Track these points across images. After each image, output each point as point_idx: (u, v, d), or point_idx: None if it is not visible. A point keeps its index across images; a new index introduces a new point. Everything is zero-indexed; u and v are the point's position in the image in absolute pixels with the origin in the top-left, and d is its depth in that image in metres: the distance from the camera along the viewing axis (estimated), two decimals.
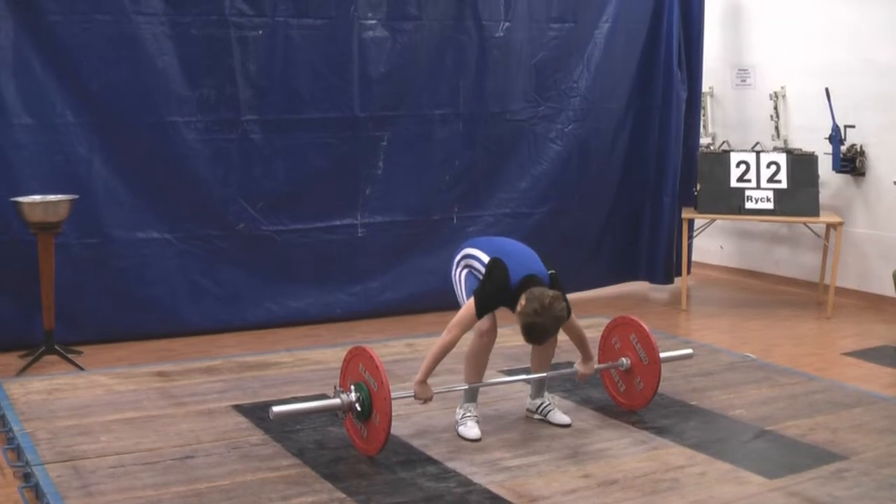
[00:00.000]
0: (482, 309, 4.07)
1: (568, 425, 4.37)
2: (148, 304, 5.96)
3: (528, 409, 4.53)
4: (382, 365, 3.85)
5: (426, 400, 4.12)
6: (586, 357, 4.44)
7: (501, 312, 4.18)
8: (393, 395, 3.82)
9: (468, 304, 4.07)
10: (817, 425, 4.45)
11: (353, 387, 3.96)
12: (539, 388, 4.50)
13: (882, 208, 7.10)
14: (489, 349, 4.23)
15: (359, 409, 3.92)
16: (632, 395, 4.60)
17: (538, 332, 3.94)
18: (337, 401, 3.97)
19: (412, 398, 4.12)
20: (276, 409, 3.90)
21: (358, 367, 3.99)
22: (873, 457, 4.06)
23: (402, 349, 5.71)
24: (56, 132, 5.64)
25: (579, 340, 4.37)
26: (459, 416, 4.28)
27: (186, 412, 4.53)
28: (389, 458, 3.97)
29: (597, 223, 7.45)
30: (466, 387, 4.27)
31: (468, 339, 4.21)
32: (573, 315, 4.23)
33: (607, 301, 7.28)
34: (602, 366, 4.62)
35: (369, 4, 6.35)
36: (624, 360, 4.58)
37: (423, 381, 4.09)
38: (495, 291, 4.07)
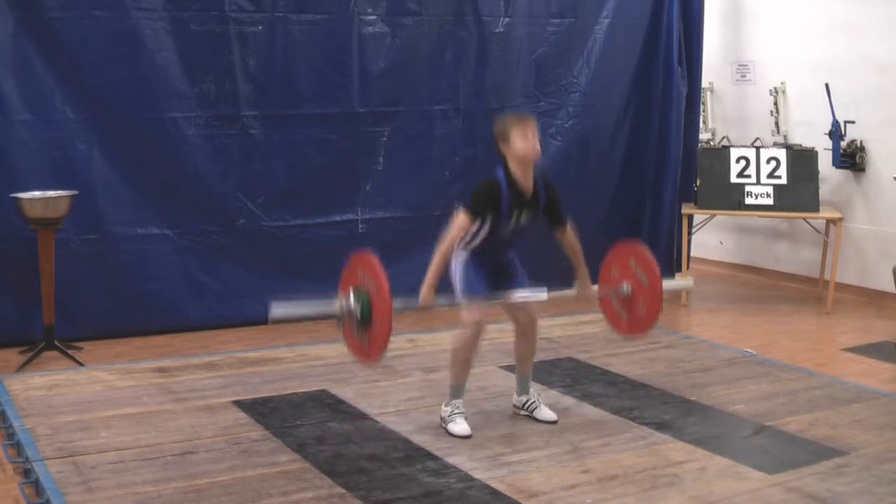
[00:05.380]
0: (475, 207, 4.08)
1: (554, 422, 4.37)
2: (148, 300, 5.96)
3: (514, 406, 4.52)
4: (381, 268, 3.77)
5: (429, 309, 4.04)
6: (581, 272, 4.38)
7: (498, 310, 4.18)
8: (395, 305, 3.72)
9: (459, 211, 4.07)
10: (817, 421, 4.45)
11: (352, 293, 3.87)
12: (524, 384, 4.49)
13: (882, 204, 7.10)
14: (478, 342, 4.19)
15: (358, 315, 3.82)
16: (635, 322, 4.48)
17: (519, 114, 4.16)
18: (336, 305, 3.88)
19: (414, 311, 4.02)
20: (275, 311, 3.82)
21: (357, 273, 3.89)
22: (873, 452, 4.06)
23: (403, 344, 5.70)
24: (56, 128, 5.64)
25: (573, 251, 4.36)
26: (447, 414, 4.26)
27: (186, 408, 4.53)
28: (389, 453, 3.98)
29: (597, 219, 7.44)
30: (467, 303, 4.16)
31: (455, 345, 4.21)
32: (569, 225, 4.30)
33: None
34: (603, 290, 4.52)
35: (369, 0, 6.35)
36: (625, 285, 4.46)
37: (431, 287, 4.02)
38: (488, 189, 4.10)
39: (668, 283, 4.54)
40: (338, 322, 3.95)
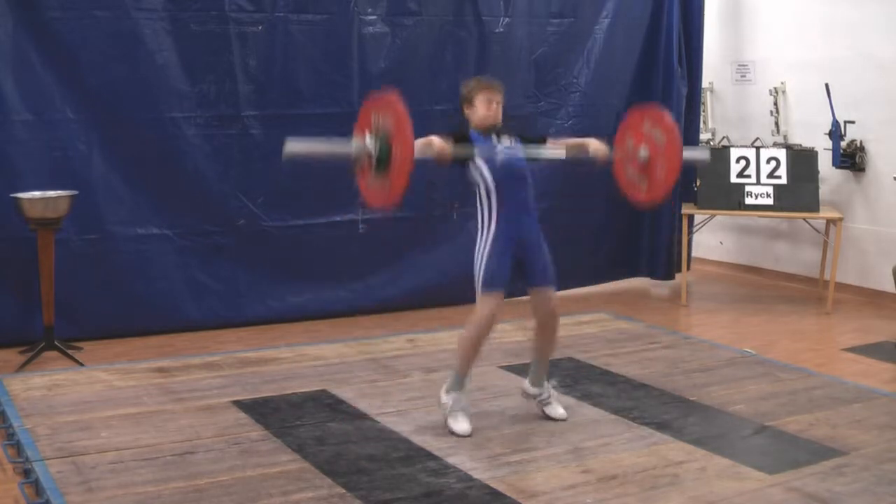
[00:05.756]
0: (444, 134, 4.08)
1: (564, 419, 4.36)
2: (148, 300, 5.96)
3: (524, 391, 4.48)
4: (404, 107, 3.61)
5: (445, 156, 3.97)
6: (589, 140, 4.38)
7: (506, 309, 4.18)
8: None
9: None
10: (817, 421, 4.45)
11: (369, 133, 3.69)
12: (539, 377, 4.44)
13: (882, 204, 7.10)
14: (489, 332, 4.17)
15: (376, 155, 3.62)
16: (655, 185, 4.33)
17: (487, 80, 4.27)
18: (353, 146, 3.71)
19: (432, 157, 3.95)
20: (290, 145, 3.66)
21: (375, 116, 3.72)
22: (873, 452, 4.06)
23: (403, 344, 5.71)
24: (56, 128, 5.64)
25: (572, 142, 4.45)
26: (447, 407, 4.24)
27: (186, 408, 4.53)
28: (389, 453, 3.98)
29: (597, 219, 7.45)
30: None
31: (466, 338, 4.21)
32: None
33: (608, 296, 7.28)
34: (619, 154, 4.38)
35: (369, 0, 6.35)
36: (641, 151, 4.29)
37: (439, 138, 3.97)
38: (455, 130, 4.20)
39: (686, 152, 4.44)
40: (353, 163, 3.76)
